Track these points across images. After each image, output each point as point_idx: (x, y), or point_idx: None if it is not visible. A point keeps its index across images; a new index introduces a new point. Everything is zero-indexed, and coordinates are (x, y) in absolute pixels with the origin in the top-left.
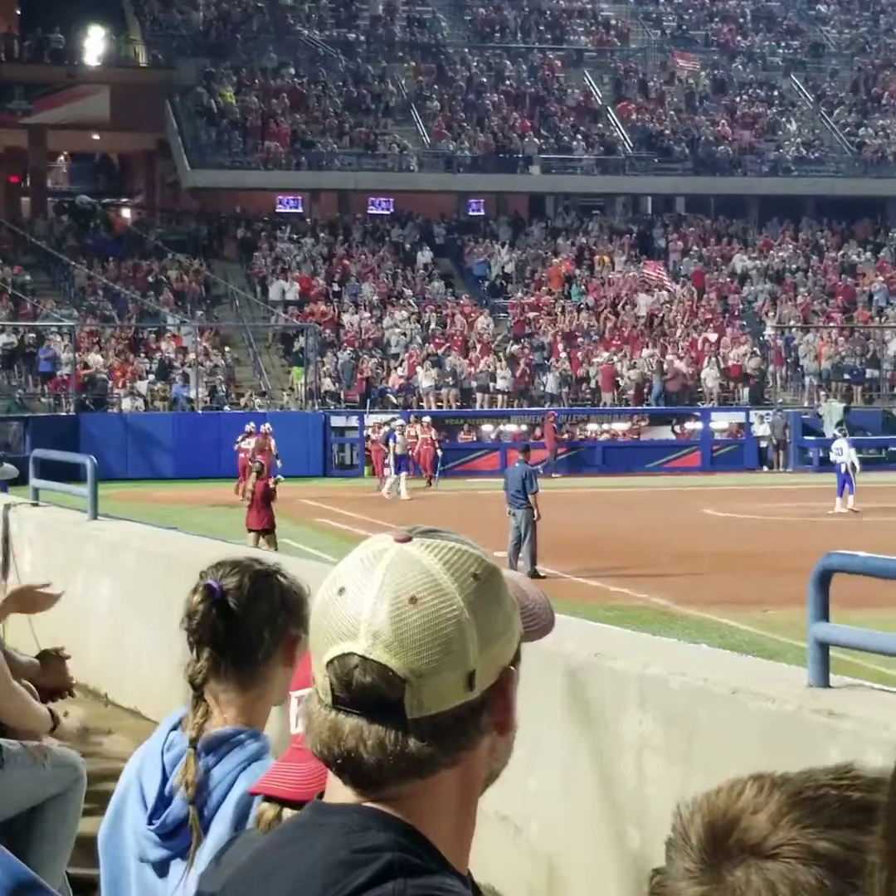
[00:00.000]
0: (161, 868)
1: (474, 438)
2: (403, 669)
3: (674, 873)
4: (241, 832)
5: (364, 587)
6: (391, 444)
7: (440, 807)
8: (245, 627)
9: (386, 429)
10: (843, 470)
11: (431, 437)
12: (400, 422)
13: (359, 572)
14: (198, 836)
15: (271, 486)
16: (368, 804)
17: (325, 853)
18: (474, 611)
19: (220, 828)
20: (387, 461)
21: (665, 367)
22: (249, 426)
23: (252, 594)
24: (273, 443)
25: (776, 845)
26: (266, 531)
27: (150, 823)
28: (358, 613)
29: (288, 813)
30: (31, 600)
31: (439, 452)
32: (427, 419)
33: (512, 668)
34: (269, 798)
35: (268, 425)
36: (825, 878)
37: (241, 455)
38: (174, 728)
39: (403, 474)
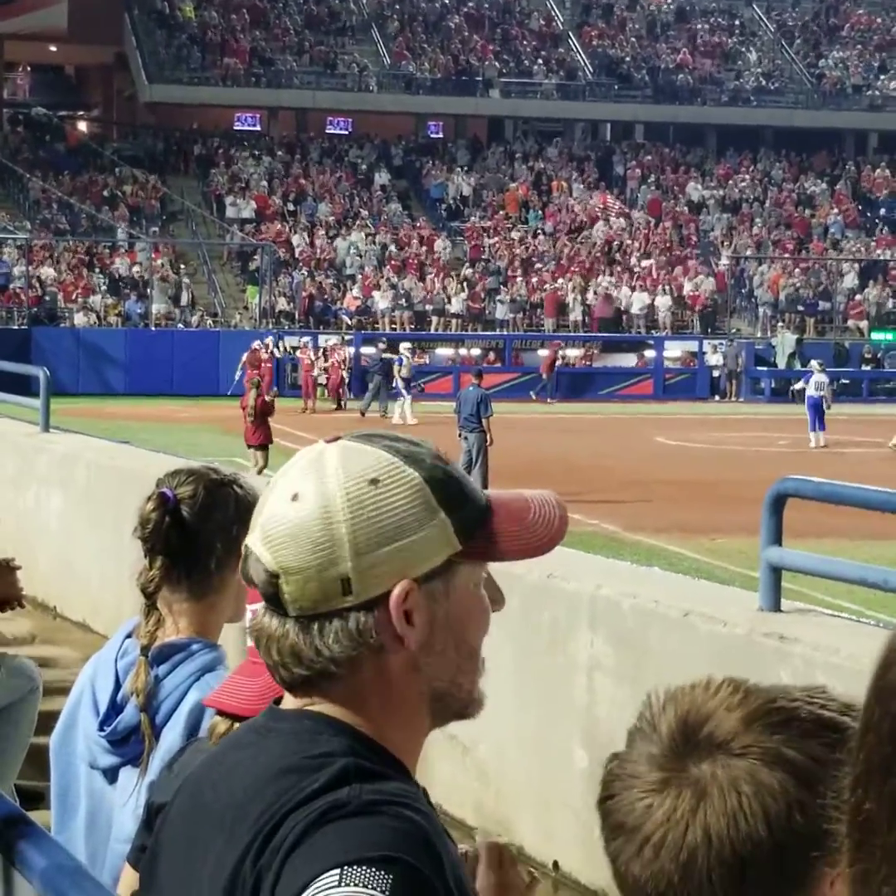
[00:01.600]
0: (111, 775)
1: (427, 361)
2: (272, 564)
3: (634, 757)
4: (193, 741)
5: (272, 484)
6: (397, 367)
7: (368, 712)
8: (198, 536)
9: (393, 355)
10: (823, 405)
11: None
12: (407, 345)
13: (281, 471)
14: (150, 744)
15: (268, 400)
16: (317, 709)
17: (277, 758)
18: (354, 514)
19: (171, 736)
20: (394, 385)
21: (592, 293)
22: (256, 343)
23: (206, 503)
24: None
25: (745, 745)
26: (262, 446)
27: (100, 730)
28: (260, 508)
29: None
30: None
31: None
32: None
33: (414, 582)
34: (221, 712)
35: (262, 341)
36: (788, 783)
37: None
38: (128, 636)
39: (409, 398)
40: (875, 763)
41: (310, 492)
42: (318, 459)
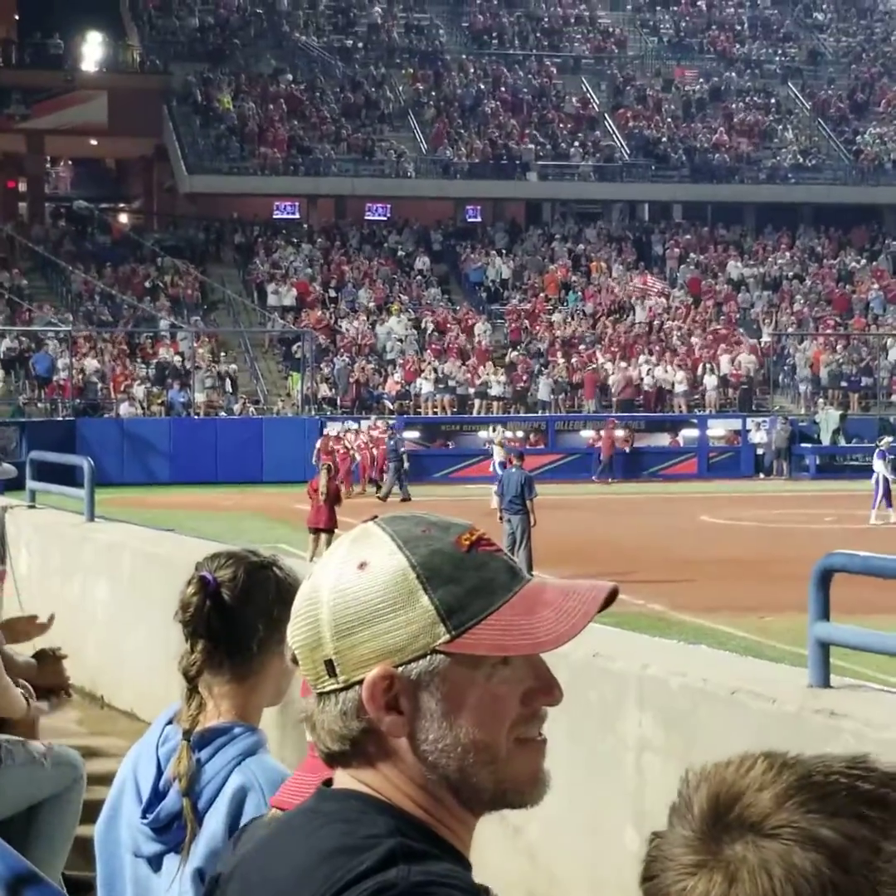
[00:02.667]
0: (155, 862)
1: (454, 445)
2: (290, 641)
3: (672, 839)
4: (259, 817)
5: None
6: (494, 449)
7: (404, 792)
8: (239, 619)
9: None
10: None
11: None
12: (502, 429)
13: None
14: (192, 829)
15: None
16: (363, 790)
17: (325, 840)
18: (338, 597)
19: (213, 821)
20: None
21: (613, 374)
22: (328, 429)
23: (247, 586)
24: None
25: (777, 826)
26: (329, 530)
27: (143, 817)
28: None
29: None
30: (21, 631)
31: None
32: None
33: (394, 669)
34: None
35: (332, 429)
36: (823, 865)
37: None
38: (169, 722)
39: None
40: None
41: (317, 573)
42: (339, 541)
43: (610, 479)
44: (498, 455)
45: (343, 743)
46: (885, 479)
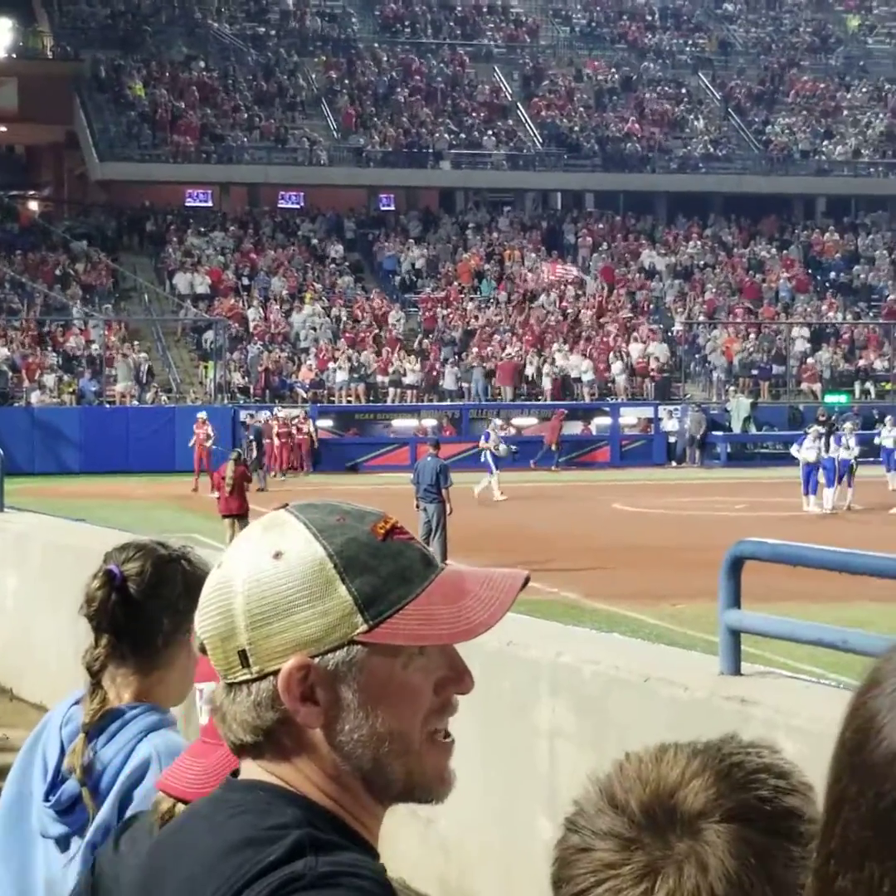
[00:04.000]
0: (62, 843)
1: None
2: (198, 631)
3: (598, 836)
4: (135, 818)
5: None
6: (484, 442)
7: (313, 782)
8: (145, 613)
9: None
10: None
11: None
12: (497, 421)
13: None
14: (92, 814)
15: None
16: (270, 780)
17: (232, 831)
18: (253, 587)
19: (108, 798)
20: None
21: (479, 362)
22: (201, 415)
23: (154, 580)
24: (208, 429)
25: (711, 811)
26: (242, 516)
27: (46, 799)
28: None
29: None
30: None
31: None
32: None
33: (311, 659)
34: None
35: (202, 414)
36: (755, 838)
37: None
38: (77, 702)
39: (496, 474)
40: (852, 843)
41: (227, 562)
42: (250, 529)
43: (554, 467)
44: (493, 441)
45: (256, 733)
46: (843, 462)
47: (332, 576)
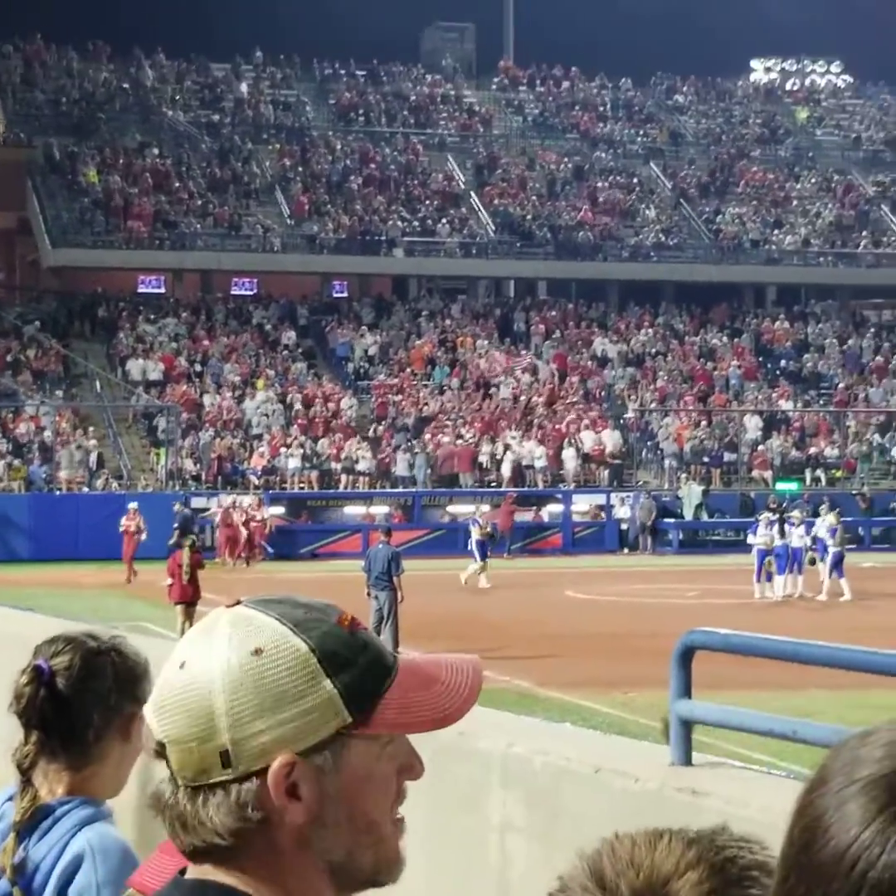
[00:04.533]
0: None
1: (321, 520)
2: (158, 732)
3: None
4: None
5: (175, 649)
6: (473, 528)
7: (267, 883)
8: (74, 709)
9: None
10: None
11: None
12: (485, 508)
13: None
14: None
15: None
16: (219, 879)
17: None
18: (235, 685)
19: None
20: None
21: (433, 449)
22: (132, 505)
23: (83, 673)
24: (140, 521)
25: None
26: (193, 603)
27: None
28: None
29: None
30: None
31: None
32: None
33: (297, 756)
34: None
35: (133, 504)
36: None
37: (127, 535)
38: (10, 799)
39: (481, 563)
40: None
41: (195, 660)
42: (212, 626)
43: (505, 554)
44: (476, 533)
45: (233, 836)
46: (796, 550)
47: (316, 670)
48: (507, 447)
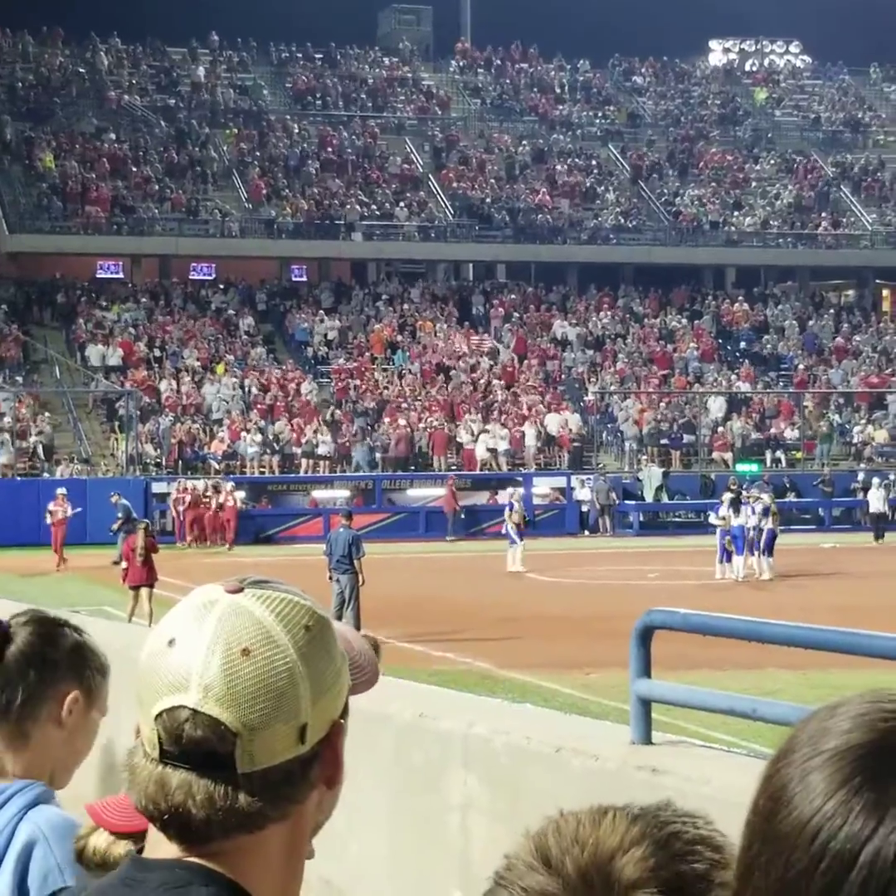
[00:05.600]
0: None
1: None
2: (236, 723)
3: (527, 887)
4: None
5: (195, 638)
6: (508, 512)
7: (267, 861)
8: (16, 670)
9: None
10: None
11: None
12: (520, 491)
13: (189, 623)
14: None
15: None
16: (191, 859)
17: None
18: (306, 663)
19: (1, 886)
20: (505, 530)
21: (392, 432)
22: (60, 491)
23: (39, 639)
24: (68, 507)
25: (648, 881)
26: (150, 586)
27: None
28: (189, 665)
29: (118, 847)
30: None
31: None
32: (230, 485)
33: (342, 720)
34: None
35: (61, 490)
36: None
37: (52, 521)
38: None
39: (521, 544)
40: None
41: (260, 645)
42: (239, 610)
43: (449, 538)
44: (512, 517)
45: (250, 821)
46: (755, 530)
47: (336, 639)
48: (481, 431)
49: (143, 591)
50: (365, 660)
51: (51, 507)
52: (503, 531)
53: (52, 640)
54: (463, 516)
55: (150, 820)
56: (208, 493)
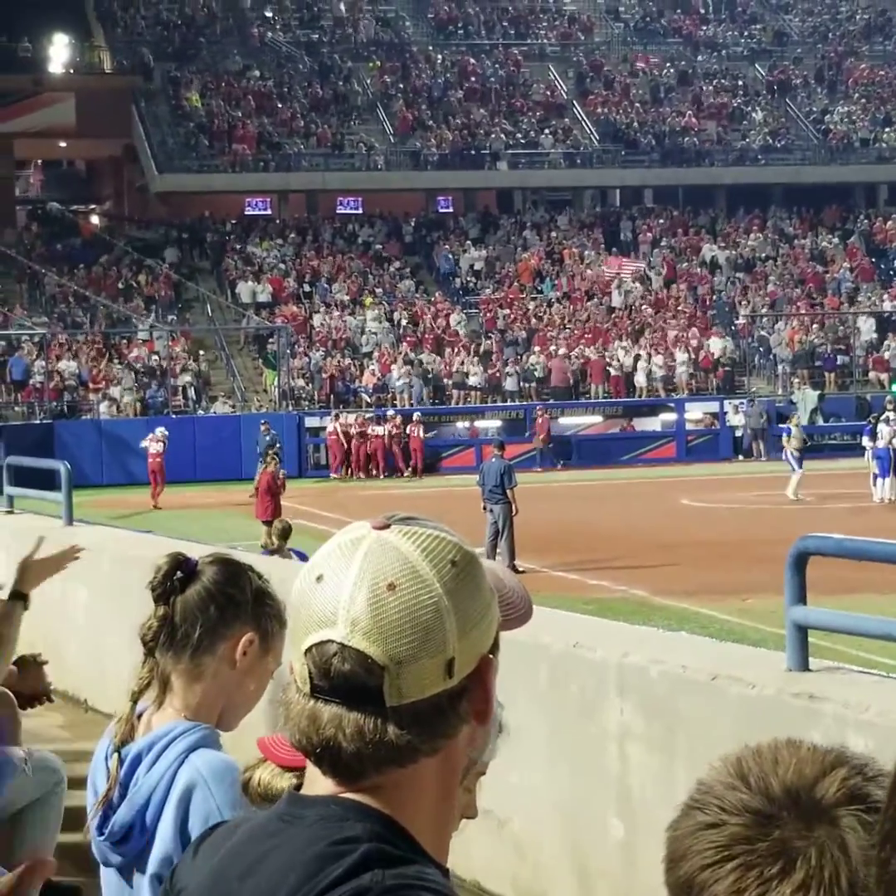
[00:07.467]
0: (125, 872)
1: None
2: (383, 657)
3: (728, 806)
4: (223, 822)
5: (342, 574)
6: (786, 437)
7: (420, 796)
8: (188, 608)
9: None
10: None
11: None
12: (798, 415)
13: (336, 560)
14: (148, 840)
15: (280, 478)
16: (346, 795)
17: (302, 847)
18: (452, 597)
19: (163, 826)
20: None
21: (543, 361)
22: (159, 430)
23: (224, 578)
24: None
25: (852, 800)
26: (267, 522)
27: (99, 831)
28: (336, 601)
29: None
30: (49, 566)
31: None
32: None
33: (491, 655)
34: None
35: (161, 430)
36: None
37: (149, 459)
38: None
39: (801, 472)
40: None
41: (405, 580)
42: (385, 546)
43: (558, 466)
44: (790, 443)
45: (403, 756)
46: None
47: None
48: (639, 357)
49: (264, 529)
50: (517, 596)
51: (146, 441)
52: (783, 456)
53: (235, 581)
54: (551, 447)
55: (303, 754)
56: (392, 427)
